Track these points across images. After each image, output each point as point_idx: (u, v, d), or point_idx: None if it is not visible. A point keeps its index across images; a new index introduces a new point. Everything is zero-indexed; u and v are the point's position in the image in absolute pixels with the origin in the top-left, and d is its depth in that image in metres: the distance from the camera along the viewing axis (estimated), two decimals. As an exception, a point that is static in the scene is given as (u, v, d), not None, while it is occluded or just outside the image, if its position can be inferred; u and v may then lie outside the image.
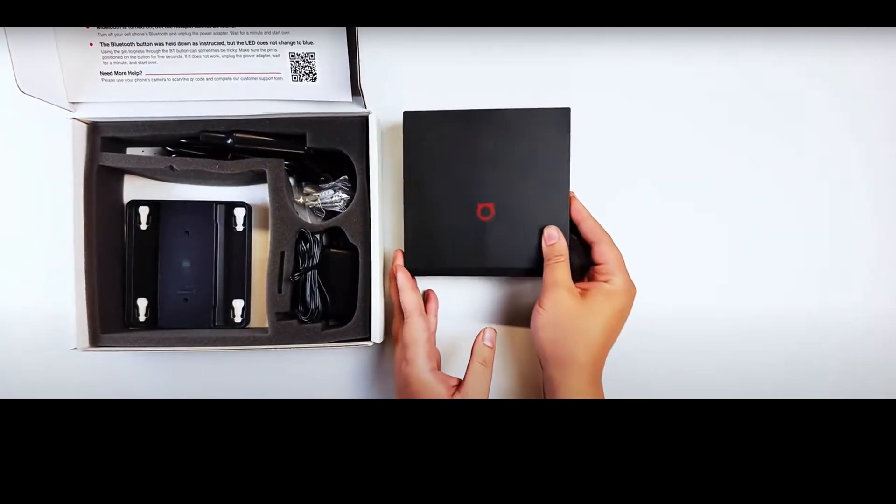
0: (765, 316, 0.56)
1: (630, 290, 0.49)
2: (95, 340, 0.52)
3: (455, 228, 0.52)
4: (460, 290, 0.56)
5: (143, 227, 0.55)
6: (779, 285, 0.56)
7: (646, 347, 0.55)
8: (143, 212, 0.54)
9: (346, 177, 0.54)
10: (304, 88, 0.54)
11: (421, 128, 0.52)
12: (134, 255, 0.54)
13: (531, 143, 0.51)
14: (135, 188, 0.56)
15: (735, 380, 0.56)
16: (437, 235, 0.52)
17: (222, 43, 0.53)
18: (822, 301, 0.56)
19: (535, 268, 0.51)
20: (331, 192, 0.54)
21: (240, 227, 0.55)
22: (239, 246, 0.56)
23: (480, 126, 0.52)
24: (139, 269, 0.55)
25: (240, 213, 0.55)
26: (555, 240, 0.50)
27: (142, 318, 0.55)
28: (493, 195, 0.52)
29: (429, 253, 0.52)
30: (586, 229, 0.51)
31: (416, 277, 0.54)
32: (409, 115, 0.52)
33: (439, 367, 0.51)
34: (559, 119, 0.51)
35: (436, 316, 0.54)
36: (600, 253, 0.49)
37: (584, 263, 0.53)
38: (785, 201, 0.56)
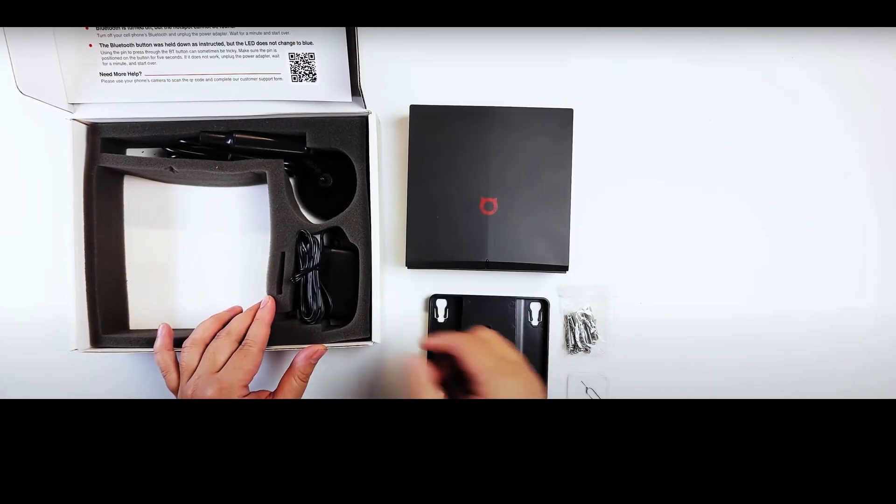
0: (776, 316, 0.55)
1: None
2: (96, 341, 0.52)
3: (457, 221, 0.52)
4: (458, 285, 0.56)
5: (441, 319, 0.55)
6: (785, 285, 0.56)
7: (658, 348, 0.55)
8: (441, 304, 0.55)
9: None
10: (304, 89, 0.54)
11: (427, 122, 0.52)
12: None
13: (535, 141, 0.52)
14: (135, 189, 0.56)
15: (735, 379, 0.55)
16: (440, 228, 0.52)
17: (222, 43, 0.52)
18: (830, 301, 0.55)
19: (535, 263, 0.52)
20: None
21: (535, 322, 0.55)
22: (535, 340, 0.55)
23: (486, 122, 0.52)
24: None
25: (535, 307, 0.55)
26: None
27: None
28: (497, 190, 0.52)
29: (430, 245, 0.52)
30: (448, 349, 0.43)
31: (415, 270, 0.54)
32: (415, 109, 0.53)
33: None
34: (562, 119, 0.52)
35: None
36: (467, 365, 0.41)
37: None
38: (793, 201, 0.56)
